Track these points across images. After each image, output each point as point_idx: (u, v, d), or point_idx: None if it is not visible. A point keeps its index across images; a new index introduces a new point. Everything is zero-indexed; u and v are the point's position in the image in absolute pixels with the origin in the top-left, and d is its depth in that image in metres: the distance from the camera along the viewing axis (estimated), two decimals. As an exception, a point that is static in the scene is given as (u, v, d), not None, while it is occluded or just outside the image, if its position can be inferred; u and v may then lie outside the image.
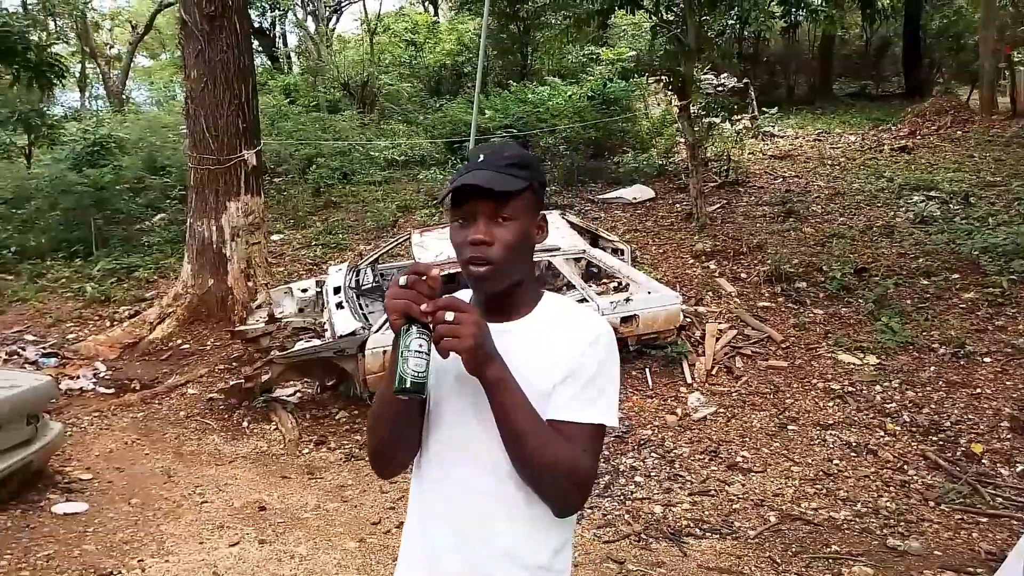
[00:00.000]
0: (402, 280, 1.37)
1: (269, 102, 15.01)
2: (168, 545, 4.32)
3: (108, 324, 8.38)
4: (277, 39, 24.95)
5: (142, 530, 4.50)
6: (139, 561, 4.14)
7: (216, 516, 4.66)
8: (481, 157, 1.51)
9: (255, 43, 16.96)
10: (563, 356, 1.47)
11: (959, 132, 13.26)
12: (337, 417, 6.18)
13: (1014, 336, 6.49)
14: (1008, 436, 5.28)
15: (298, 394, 6.52)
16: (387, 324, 1.84)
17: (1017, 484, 4.70)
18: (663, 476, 5.10)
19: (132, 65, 24.79)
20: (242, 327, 6.98)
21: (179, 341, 7.65)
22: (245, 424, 6.14)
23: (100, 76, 23.84)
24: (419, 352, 1.36)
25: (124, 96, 23.13)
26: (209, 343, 7.58)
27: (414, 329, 1.36)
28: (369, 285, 7.40)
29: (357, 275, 7.37)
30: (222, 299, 8.00)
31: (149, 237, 10.81)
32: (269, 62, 22.96)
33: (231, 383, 6.41)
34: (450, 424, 1.53)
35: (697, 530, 4.44)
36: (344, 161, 13.12)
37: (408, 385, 1.36)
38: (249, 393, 6.19)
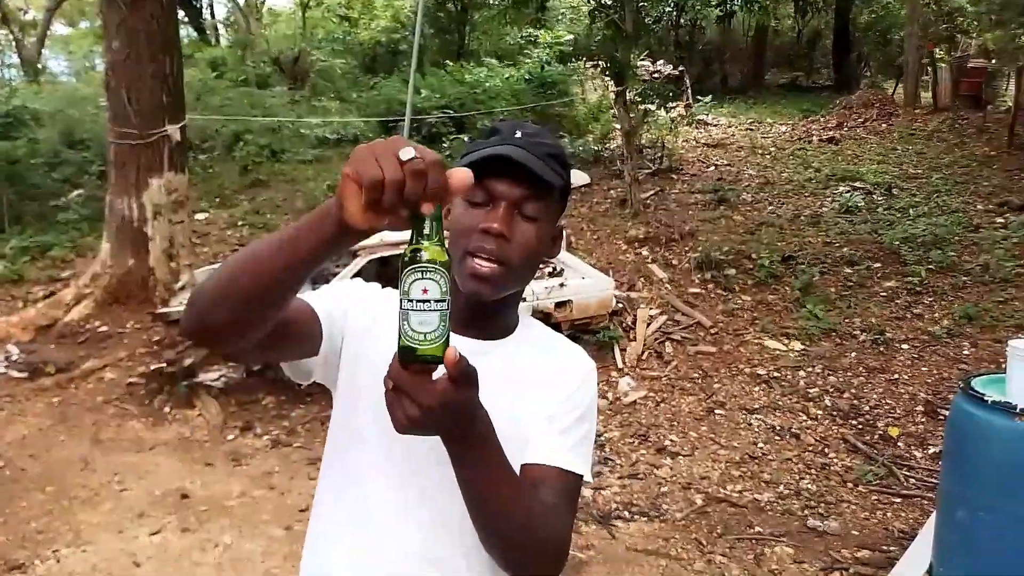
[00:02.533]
0: (407, 153, 0.86)
1: (195, 76, 14.48)
2: (85, 535, 4.17)
3: (21, 305, 8.00)
4: (204, 10, 24.07)
5: (57, 519, 4.33)
6: (54, 552, 3.99)
7: (136, 504, 4.51)
8: (518, 134, 1.20)
9: (181, 13, 16.35)
10: (557, 389, 1.23)
11: (884, 125, 13.70)
12: (264, 402, 6.04)
13: (930, 324, 6.76)
14: (922, 420, 5.50)
15: (223, 379, 6.35)
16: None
17: (929, 466, 4.90)
18: (593, 460, 5.14)
19: (49, 33, 23.61)
20: (164, 309, 6.76)
21: (97, 323, 7.35)
22: (167, 409, 5.95)
23: (13, 43, 22.64)
24: (429, 300, 0.90)
25: (40, 65, 22.05)
26: (129, 325, 7.30)
27: (424, 253, 0.90)
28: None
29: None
30: (143, 280, 7.71)
31: (66, 214, 10.32)
32: (196, 34, 22.17)
33: (152, 367, 6.20)
34: (398, 465, 1.18)
35: (626, 513, 4.49)
36: (273, 138, 12.77)
37: (422, 355, 0.92)
38: (171, 378, 6.00)
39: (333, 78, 16.78)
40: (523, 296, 1.30)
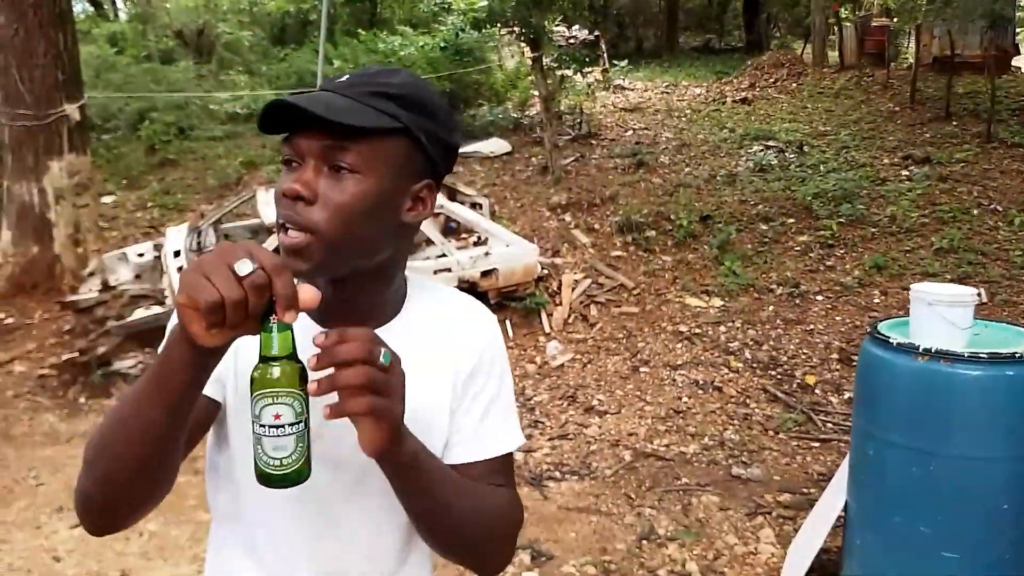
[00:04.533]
0: (244, 267, 0.78)
1: (93, 52, 13.77)
2: (0, 533, 4.01)
3: (-83, 299, 7.56)
4: (101, -17, 22.93)
5: (-32, 520, 4.16)
6: (-34, 553, 3.82)
7: (54, 499, 4.35)
8: (345, 77, 1.01)
9: (75, -13, 15.50)
10: (456, 374, 1.10)
11: (794, 84, 14.05)
12: (185, 386, 5.87)
13: (842, 275, 7.01)
14: (837, 367, 5.73)
15: (140, 365, 6.13)
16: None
17: (845, 410, 5.10)
18: (524, 424, 5.18)
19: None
20: (73, 297, 6.50)
21: (1, 315, 7.01)
22: (82, 400, 5.73)
23: None
24: (282, 426, 0.83)
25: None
26: (36, 316, 6.99)
27: (274, 372, 0.83)
28: (211, 247, 7.03)
29: (199, 236, 6.95)
30: (49, 267, 7.38)
31: (-40, 202, 9.78)
32: (91, 7, 21.09)
33: (64, 358, 5.96)
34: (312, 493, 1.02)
35: (557, 473, 4.55)
36: (180, 115, 12.28)
37: (283, 480, 0.85)
38: (85, 367, 5.78)
39: (240, 50, 16.21)
40: (402, 266, 1.11)
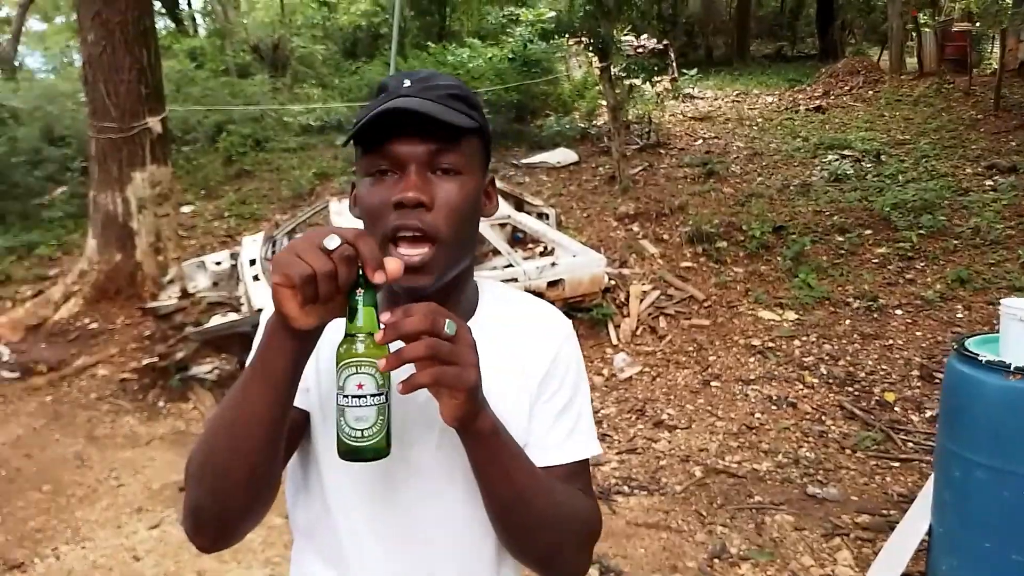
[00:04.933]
0: (332, 241, 0.82)
1: (174, 67, 14.33)
2: (84, 531, 4.16)
3: (9, 305, 7.94)
4: (180, 0, 23.80)
5: (55, 517, 4.32)
6: (53, 549, 3.98)
7: (134, 499, 4.50)
8: (407, 83, 1.01)
9: (157, 4, 16.14)
10: (531, 377, 1.09)
11: (870, 92, 13.66)
12: (259, 392, 6.00)
13: (923, 288, 6.75)
14: (918, 384, 5.50)
15: (216, 371, 6.30)
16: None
17: (926, 429, 4.91)
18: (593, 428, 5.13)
19: (24, 29, 23.29)
20: (153, 303, 6.72)
21: (86, 320, 7.29)
22: (161, 404, 5.91)
23: (-11, 41, 22.34)
24: (364, 396, 0.86)
25: (16, 63, 21.76)
26: (119, 321, 7.25)
27: (359, 346, 0.86)
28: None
29: (273, 245, 7.14)
30: (131, 275, 7.65)
31: (50, 212, 10.23)
32: (173, 24, 21.92)
33: (144, 362, 6.16)
34: (409, 491, 1.07)
35: (625, 488, 4.49)
36: (256, 128, 12.66)
37: (362, 452, 0.88)
38: (164, 372, 5.96)
39: (314, 64, 16.64)
40: (473, 268, 1.12)
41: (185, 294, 6.56)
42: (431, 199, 0.97)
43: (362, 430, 0.86)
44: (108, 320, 7.32)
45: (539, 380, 1.09)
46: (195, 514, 0.99)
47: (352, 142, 1.03)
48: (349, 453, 0.88)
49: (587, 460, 1.13)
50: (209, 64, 16.30)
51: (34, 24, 26.67)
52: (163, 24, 19.79)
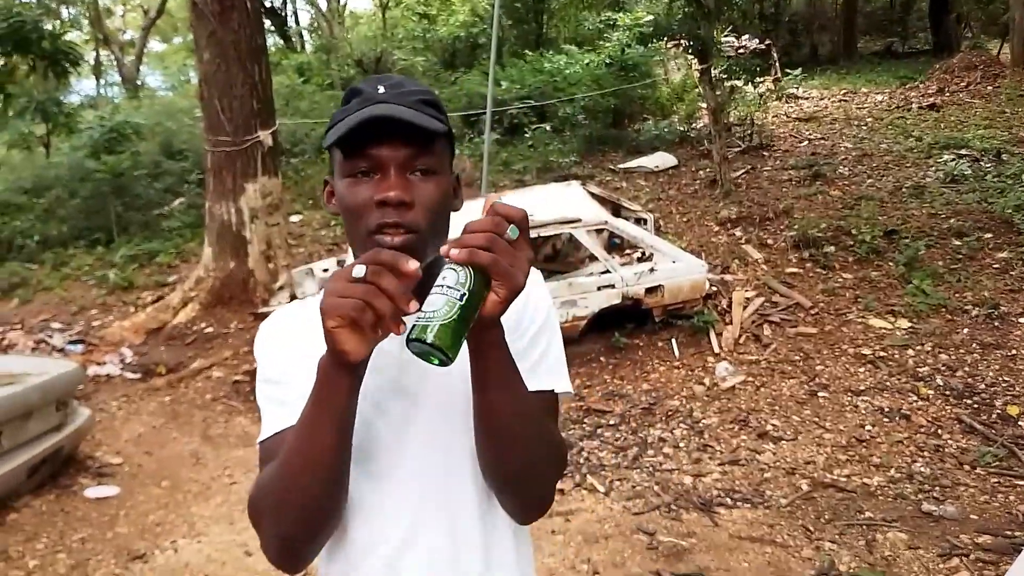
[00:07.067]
0: (359, 270, 0.91)
1: (283, 82, 14.93)
2: (199, 526, 4.36)
3: (132, 310, 8.43)
4: (289, 17, 24.78)
5: (173, 512, 4.54)
6: (172, 542, 4.18)
7: (246, 497, 4.66)
8: (380, 89, 1.10)
9: (267, 22, 16.87)
10: (505, 318, 1.10)
11: (989, 87, 12.91)
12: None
13: (1050, 295, 6.33)
14: (1046, 397, 5.16)
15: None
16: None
17: (1057, 446, 4.59)
18: (692, 447, 5.03)
19: (145, 50, 24.79)
20: (265, 309, 6.99)
21: (203, 325, 7.67)
22: (271, 405, 6.13)
23: (114, 62, 23.87)
24: (443, 285, 0.92)
25: (139, 82, 23.17)
26: (232, 326, 7.59)
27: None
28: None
29: (377, 253, 7.33)
30: (243, 281, 8.00)
31: (169, 222, 10.84)
32: (282, 41, 22.84)
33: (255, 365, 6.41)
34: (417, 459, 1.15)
35: (728, 500, 4.38)
36: (361, 139, 13.01)
37: (418, 332, 0.91)
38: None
39: (415, 75, 16.98)
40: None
41: (294, 300, 6.79)
42: (412, 199, 1.06)
43: (428, 313, 0.90)
44: (223, 324, 7.68)
45: (512, 323, 1.13)
46: (287, 545, 1.09)
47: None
48: (410, 335, 0.91)
49: (555, 396, 1.19)
50: (316, 78, 16.91)
51: (154, 45, 28.37)
52: (272, 41, 20.65)
